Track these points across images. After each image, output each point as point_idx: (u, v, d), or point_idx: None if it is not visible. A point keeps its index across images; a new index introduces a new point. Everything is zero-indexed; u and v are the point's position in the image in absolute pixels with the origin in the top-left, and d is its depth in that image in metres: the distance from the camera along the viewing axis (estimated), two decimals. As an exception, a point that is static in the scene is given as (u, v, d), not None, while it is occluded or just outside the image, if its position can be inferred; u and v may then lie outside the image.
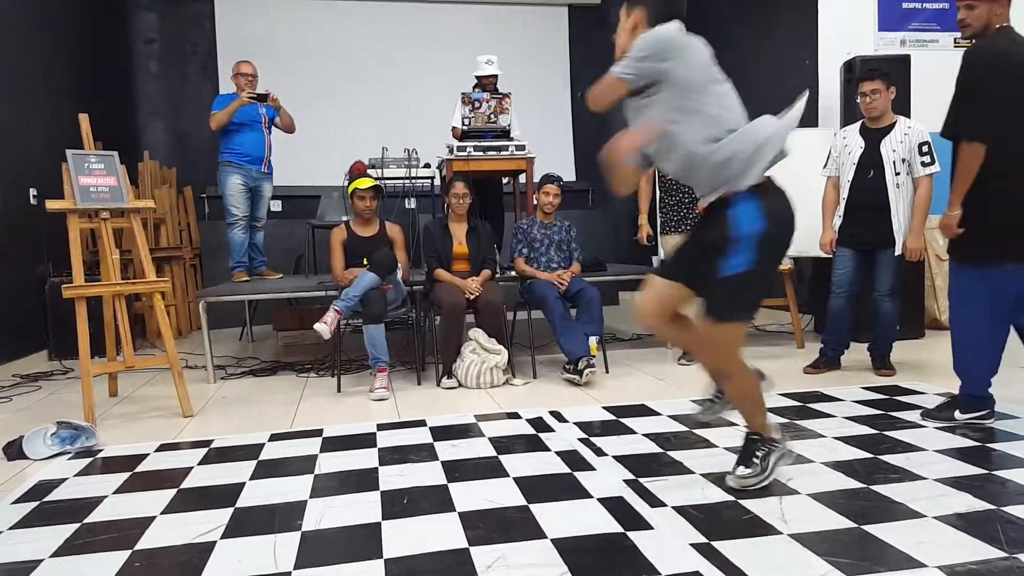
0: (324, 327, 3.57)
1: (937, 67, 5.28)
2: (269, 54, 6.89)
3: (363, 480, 2.36)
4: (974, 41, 2.68)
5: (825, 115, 5.33)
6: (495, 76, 5.19)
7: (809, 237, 4.09)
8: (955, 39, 5.48)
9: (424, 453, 2.62)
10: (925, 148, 3.63)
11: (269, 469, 2.51)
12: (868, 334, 3.93)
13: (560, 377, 3.86)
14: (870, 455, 2.45)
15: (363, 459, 2.57)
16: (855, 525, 1.89)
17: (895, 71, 4.16)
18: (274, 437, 2.91)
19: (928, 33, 5.46)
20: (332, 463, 2.55)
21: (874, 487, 2.15)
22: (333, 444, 2.79)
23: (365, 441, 2.80)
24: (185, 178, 6.81)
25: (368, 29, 7.72)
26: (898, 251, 3.64)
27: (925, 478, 2.21)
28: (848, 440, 2.63)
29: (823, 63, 5.39)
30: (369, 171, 4.79)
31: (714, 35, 7.84)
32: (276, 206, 6.87)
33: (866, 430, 2.75)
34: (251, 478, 2.41)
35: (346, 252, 4.01)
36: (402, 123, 6.98)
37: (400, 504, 2.13)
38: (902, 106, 4.04)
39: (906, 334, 4.16)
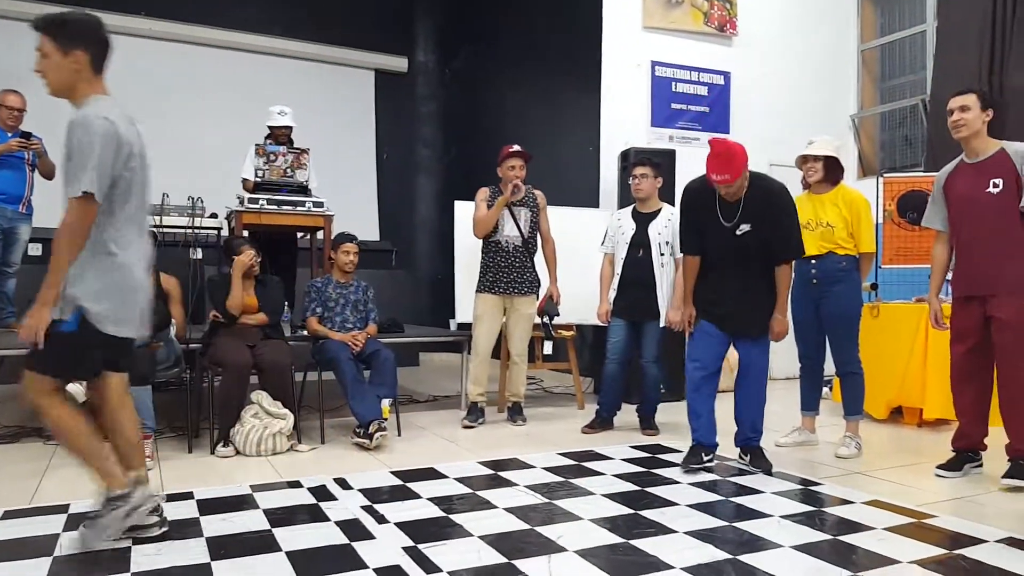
0: (79, 388, 3.20)
1: (698, 161, 6.08)
2: (40, 85, 6.24)
3: (111, 562, 2.13)
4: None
5: (605, 198, 5.87)
6: (289, 128, 5.11)
7: (588, 307, 4.44)
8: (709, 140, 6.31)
9: (187, 529, 2.42)
10: (684, 233, 4.12)
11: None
12: (637, 396, 4.30)
13: (350, 441, 3.77)
14: (632, 511, 2.66)
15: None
16: (613, 579, 2.03)
17: (663, 162, 4.70)
18: (9, 514, 2.56)
19: (692, 132, 6.25)
20: (76, 543, 2.27)
21: (632, 541, 2.33)
22: (80, 521, 2.47)
23: (120, 516, 2.53)
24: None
25: (158, 69, 7.27)
26: (662, 323, 4.05)
27: (676, 531, 2.44)
28: (614, 497, 2.83)
29: (604, 151, 5.94)
30: (147, 218, 4.45)
31: (512, 121, 8.38)
32: (35, 250, 6.13)
33: (630, 486, 2.99)
34: (-29, 565, 2.09)
35: (114, 306, 3.66)
36: (187, 170, 6.55)
37: (153, 586, 1.96)
38: (667, 194, 4.56)
39: (669, 397, 4.59)
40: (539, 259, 4.40)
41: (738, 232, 3.18)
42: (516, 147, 4.23)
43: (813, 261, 3.64)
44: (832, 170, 3.65)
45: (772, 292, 3.24)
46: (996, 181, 3.07)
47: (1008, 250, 3.05)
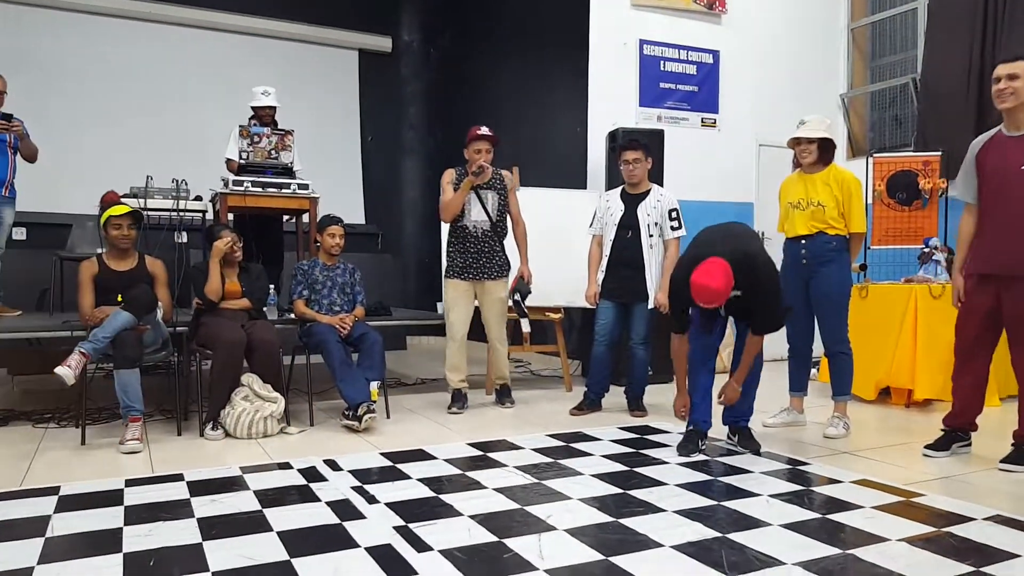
0: (67, 371, 3.18)
1: (686, 142, 6.10)
2: (21, 67, 6.14)
3: (103, 542, 2.12)
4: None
5: (593, 178, 5.85)
6: (273, 108, 5.05)
7: (576, 290, 4.43)
8: (702, 119, 6.31)
9: (178, 510, 2.41)
10: (674, 214, 4.11)
11: (-14, 535, 2.18)
12: (625, 378, 4.31)
13: (339, 424, 3.77)
14: (621, 490, 2.67)
15: (106, 519, 2.31)
16: (603, 557, 2.04)
17: (652, 143, 4.68)
18: (-2, 497, 2.53)
19: (680, 112, 6.23)
20: (68, 524, 2.26)
21: (622, 520, 2.35)
22: (71, 503, 2.48)
23: (110, 499, 2.52)
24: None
25: (139, 50, 7.17)
26: (651, 305, 4.05)
27: (665, 510, 2.45)
28: (603, 477, 2.85)
29: (592, 131, 5.91)
30: (130, 200, 4.40)
31: (498, 101, 8.35)
32: (19, 234, 6.06)
33: (619, 467, 3.00)
34: (-41, 548, 2.07)
35: (98, 288, 3.62)
36: (172, 152, 6.51)
37: (144, 567, 1.95)
38: (656, 174, 4.55)
39: (657, 379, 4.60)
40: (509, 242, 4.30)
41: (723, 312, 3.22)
42: (483, 129, 4.10)
43: (803, 241, 3.64)
44: (825, 151, 3.64)
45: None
46: None
47: None
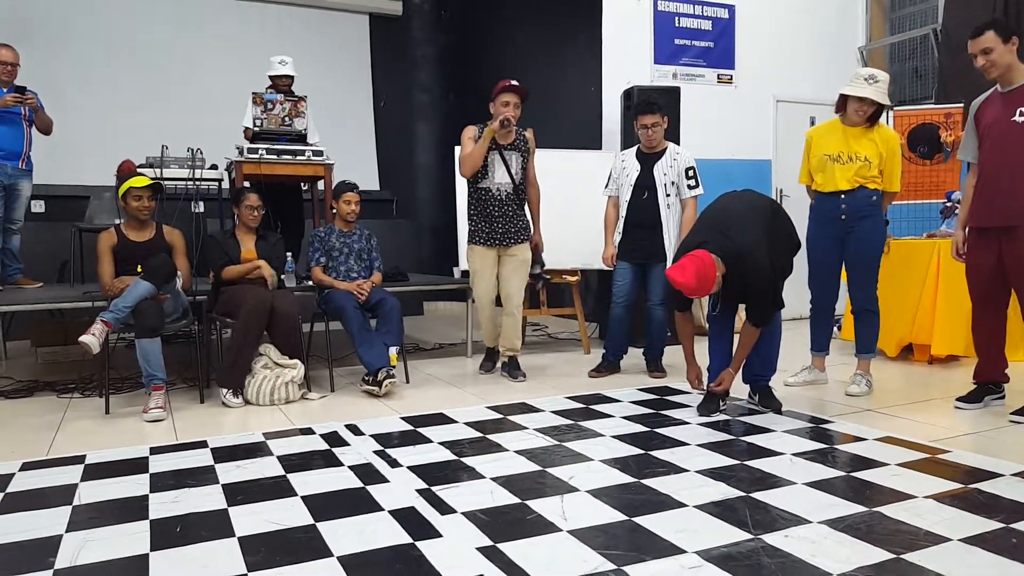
0: (92, 339, 3.20)
1: (702, 99, 5.98)
2: (31, 38, 6.11)
3: (130, 509, 2.15)
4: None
5: (608, 139, 5.75)
6: (290, 77, 5.00)
7: (593, 252, 4.39)
8: (718, 75, 6.18)
9: (203, 476, 2.44)
10: (691, 173, 4.04)
11: (18, 502, 2.22)
12: (644, 339, 4.28)
13: (359, 389, 3.79)
14: (642, 451, 2.67)
15: (132, 486, 2.34)
16: (627, 518, 2.04)
17: (667, 101, 4.59)
18: (26, 466, 2.57)
19: (696, 68, 6.10)
20: (94, 492, 2.30)
21: (644, 480, 2.34)
22: (97, 471, 2.51)
23: (135, 467, 2.55)
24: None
25: (151, 18, 7.09)
26: (669, 264, 4.00)
27: (688, 470, 2.45)
28: (623, 438, 2.84)
29: (606, 91, 5.80)
30: (146, 170, 4.39)
31: (511, 62, 8.20)
32: (38, 207, 6.10)
33: (640, 428, 3.00)
34: (-9, 516, 2.11)
35: (117, 259, 3.63)
36: (186, 121, 6.47)
37: (172, 533, 1.97)
38: (672, 133, 4.47)
39: (675, 340, 4.56)
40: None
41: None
42: (513, 81, 3.93)
43: (843, 196, 3.54)
44: (877, 115, 3.52)
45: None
46: (1023, 110, 2.97)
47: None
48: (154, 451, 2.75)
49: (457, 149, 4.26)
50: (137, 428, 3.14)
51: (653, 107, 4.01)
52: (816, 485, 2.28)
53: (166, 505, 2.18)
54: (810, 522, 1.98)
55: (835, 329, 4.51)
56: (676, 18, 6.01)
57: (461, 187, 4.74)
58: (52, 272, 5.35)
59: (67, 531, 1.99)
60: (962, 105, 5.08)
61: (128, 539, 1.93)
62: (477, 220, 4.07)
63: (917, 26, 6.37)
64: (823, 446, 2.71)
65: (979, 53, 3.04)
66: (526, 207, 4.15)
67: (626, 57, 5.84)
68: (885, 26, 6.74)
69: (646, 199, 4.03)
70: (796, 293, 3.90)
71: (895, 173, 3.52)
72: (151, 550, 1.86)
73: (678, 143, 4.41)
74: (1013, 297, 3.18)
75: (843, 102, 3.54)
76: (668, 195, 4.03)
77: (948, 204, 4.74)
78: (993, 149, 3.09)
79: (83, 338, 3.20)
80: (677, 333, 3.35)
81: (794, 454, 2.61)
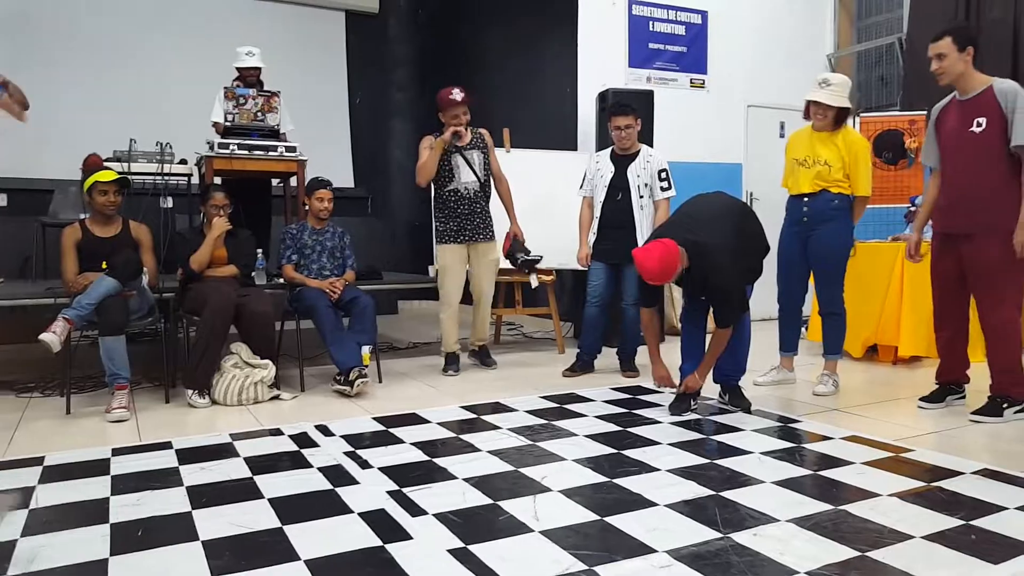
0: (53, 337, 3.12)
1: (675, 102, 6.02)
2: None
3: (89, 513, 2.09)
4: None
5: (583, 140, 5.76)
6: (258, 69, 4.92)
7: (568, 252, 4.40)
8: (691, 79, 6.23)
9: (167, 478, 2.38)
10: (664, 175, 4.07)
11: (-31, 508, 2.15)
12: (618, 339, 4.30)
13: (330, 389, 3.75)
14: (615, 450, 2.67)
15: (92, 489, 2.29)
16: (599, 517, 2.04)
17: (641, 104, 4.61)
18: (-19, 468, 2.50)
19: (669, 72, 6.14)
20: (52, 495, 2.23)
21: (616, 480, 2.35)
22: (56, 474, 2.45)
23: (96, 468, 2.49)
24: None
25: (120, 8, 6.96)
26: (642, 265, 4.02)
27: (659, 469, 2.45)
28: (596, 437, 2.85)
29: (582, 92, 5.81)
30: (113, 164, 4.30)
31: (487, 62, 8.18)
32: (0, 200, 5.96)
33: (612, 427, 3.00)
34: (-57, 520, 2.04)
35: (82, 255, 3.55)
36: (155, 114, 6.35)
37: (133, 537, 1.92)
38: (645, 135, 4.48)
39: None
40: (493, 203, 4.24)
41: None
42: (456, 93, 3.98)
43: (806, 199, 3.60)
44: (840, 117, 3.58)
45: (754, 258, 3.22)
46: (980, 120, 3.04)
47: (986, 192, 3.03)
48: (116, 452, 2.68)
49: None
50: (99, 429, 3.07)
51: (627, 109, 4.05)
52: (784, 484, 2.30)
53: (127, 508, 2.12)
54: (778, 520, 2.00)
55: (802, 330, 4.57)
56: (650, 23, 6.04)
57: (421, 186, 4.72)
58: (14, 268, 5.21)
59: (22, 535, 1.93)
60: (925, 113, 5.17)
61: (87, 544, 1.88)
62: (446, 220, 4.16)
63: (883, 35, 6.49)
64: (791, 445, 2.74)
65: (934, 57, 3.10)
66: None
67: (601, 60, 5.86)
68: (853, 34, 6.86)
69: (620, 200, 4.05)
70: (765, 294, 3.94)
71: (859, 177, 3.56)
72: (111, 555, 1.81)
73: (651, 146, 4.43)
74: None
75: (808, 108, 3.62)
76: (641, 196, 4.05)
77: (912, 209, 4.83)
78: (952, 158, 3.15)
79: (43, 336, 3.12)
80: (644, 331, 3.37)
81: (763, 453, 2.63)
